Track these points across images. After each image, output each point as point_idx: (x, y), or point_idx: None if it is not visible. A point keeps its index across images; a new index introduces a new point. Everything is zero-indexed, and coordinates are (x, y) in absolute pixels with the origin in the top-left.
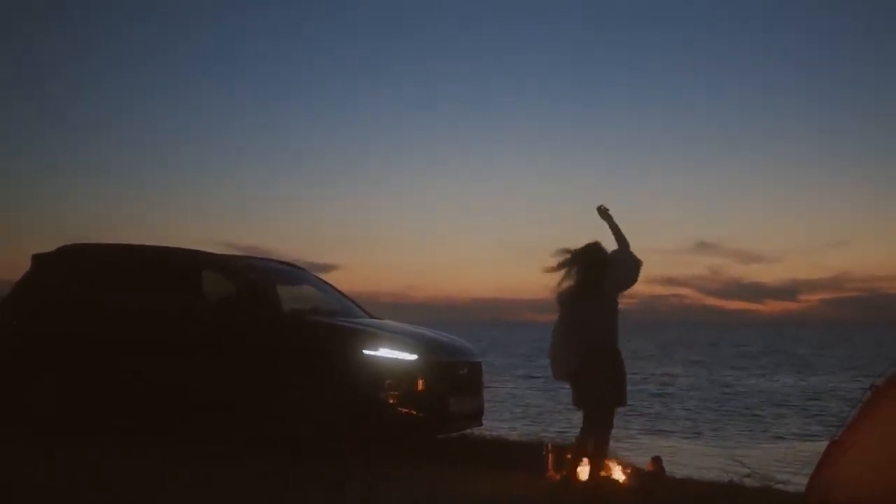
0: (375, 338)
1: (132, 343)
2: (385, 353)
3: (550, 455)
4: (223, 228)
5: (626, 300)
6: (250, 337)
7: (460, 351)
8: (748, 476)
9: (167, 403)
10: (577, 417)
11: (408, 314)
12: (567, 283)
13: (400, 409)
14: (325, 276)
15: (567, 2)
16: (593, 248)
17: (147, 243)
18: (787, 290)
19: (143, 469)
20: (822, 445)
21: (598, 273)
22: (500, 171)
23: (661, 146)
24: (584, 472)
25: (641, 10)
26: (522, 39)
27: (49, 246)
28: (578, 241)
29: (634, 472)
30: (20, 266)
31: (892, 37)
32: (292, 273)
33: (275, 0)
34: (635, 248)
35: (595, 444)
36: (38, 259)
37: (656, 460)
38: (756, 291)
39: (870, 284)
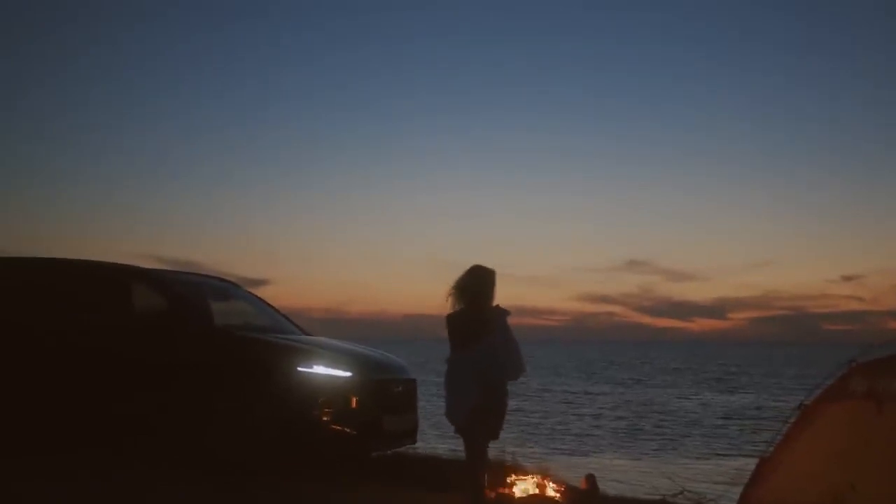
0: (309, 355)
1: (58, 360)
2: (319, 370)
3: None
4: (151, 242)
5: (557, 317)
6: (182, 353)
7: (394, 368)
8: (680, 493)
9: (94, 422)
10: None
11: (341, 330)
12: (458, 309)
13: (334, 426)
14: (256, 292)
15: (505, 23)
16: (477, 272)
17: (73, 257)
18: (716, 309)
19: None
20: (748, 462)
21: (487, 295)
22: (434, 187)
23: (593, 165)
24: (518, 489)
25: (562, 28)
26: (459, 54)
27: None
28: (509, 259)
29: (568, 491)
30: None
31: (815, 59)
32: (224, 288)
33: (195, 5)
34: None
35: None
36: None
37: (590, 478)
38: (685, 309)
39: (794, 303)
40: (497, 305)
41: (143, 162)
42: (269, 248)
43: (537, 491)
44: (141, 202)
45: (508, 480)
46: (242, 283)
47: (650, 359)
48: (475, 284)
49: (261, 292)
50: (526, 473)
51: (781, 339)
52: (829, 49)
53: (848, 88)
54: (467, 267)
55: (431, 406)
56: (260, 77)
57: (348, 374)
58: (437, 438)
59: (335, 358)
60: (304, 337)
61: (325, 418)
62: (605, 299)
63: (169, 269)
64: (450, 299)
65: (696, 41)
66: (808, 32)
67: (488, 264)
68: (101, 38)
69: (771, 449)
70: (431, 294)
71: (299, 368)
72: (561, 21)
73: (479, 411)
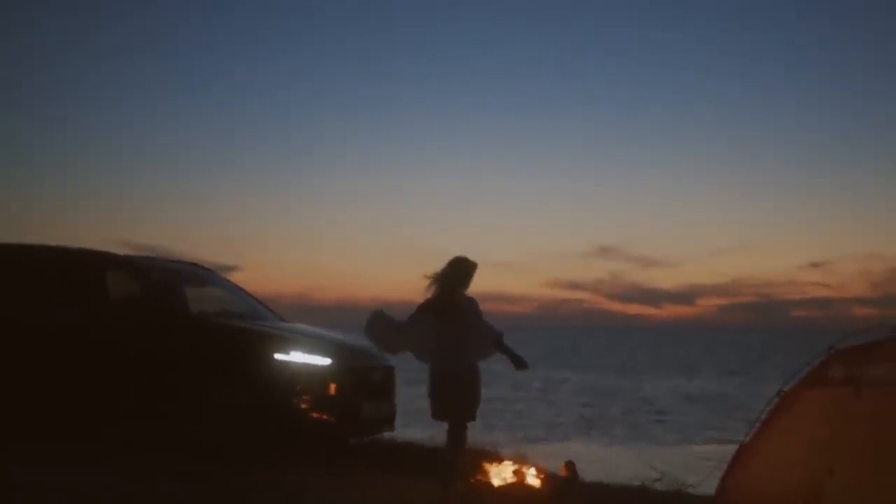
0: (287, 341)
1: (30, 348)
2: (297, 357)
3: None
4: (122, 228)
5: (527, 303)
6: (157, 340)
7: (373, 355)
8: (659, 480)
9: (68, 411)
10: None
11: (312, 317)
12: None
13: (312, 413)
14: (226, 278)
15: (483, 11)
16: (457, 264)
17: (46, 243)
18: (685, 295)
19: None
20: (722, 448)
21: (457, 286)
22: (404, 173)
23: (564, 151)
24: (497, 477)
25: (536, 16)
26: (431, 43)
27: None
28: (479, 245)
29: (549, 477)
30: None
31: (787, 48)
32: (200, 274)
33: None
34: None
35: (455, 455)
36: None
37: (570, 465)
38: (655, 296)
39: (763, 290)
40: (465, 294)
41: (114, 149)
42: (238, 234)
43: (516, 478)
44: (112, 188)
45: (486, 468)
46: (214, 269)
47: (619, 345)
48: (453, 275)
49: (231, 278)
50: (504, 461)
51: (750, 326)
52: (802, 38)
53: (820, 78)
54: (448, 256)
55: (408, 393)
56: (233, 66)
57: (327, 361)
58: (414, 425)
59: (313, 345)
60: (281, 324)
61: (303, 405)
62: (575, 285)
63: (142, 255)
64: (428, 287)
65: (668, 27)
66: (785, 21)
67: (462, 252)
68: (81, 28)
69: (749, 436)
70: (403, 280)
71: (277, 355)
72: (537, 10)
73: (453, 394)
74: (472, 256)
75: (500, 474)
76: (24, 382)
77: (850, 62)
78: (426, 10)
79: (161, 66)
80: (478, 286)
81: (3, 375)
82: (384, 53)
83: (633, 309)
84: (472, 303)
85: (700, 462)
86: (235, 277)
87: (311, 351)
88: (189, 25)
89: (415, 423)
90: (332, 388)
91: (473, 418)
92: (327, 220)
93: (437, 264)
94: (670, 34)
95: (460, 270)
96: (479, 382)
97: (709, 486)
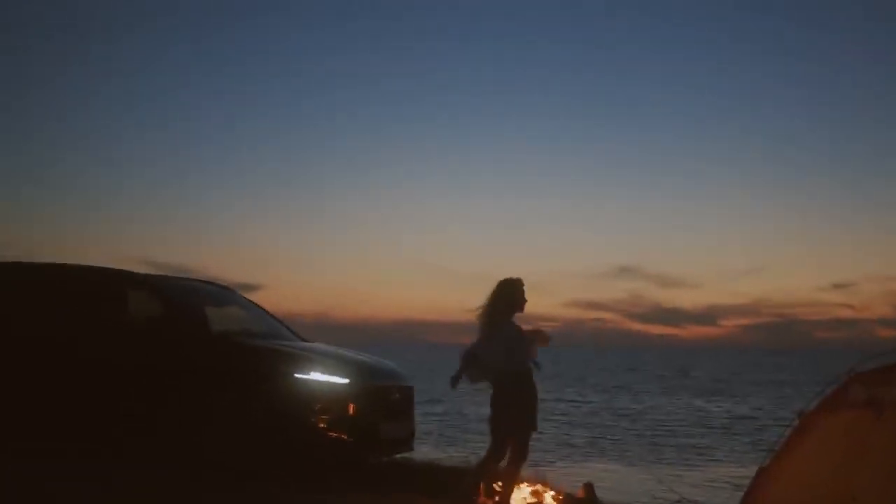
0: (307, 361)
1: (55, 366)
2: (316, 376)
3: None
4: (144, 247)
5: (546, 323)
6: (178, 359)
7: (392, 374)
8: (678, 502)
9: (91, 428)
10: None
11: (331, 335)
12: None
13: (330, 433)
14: (248, 297)
15: (495, 27)
16: (498, 286)
17: (69, 262)
18: (707, 316)
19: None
20: (741, 470)
21: (504, 305)
22: (423, 193)
23: (584, 171)
24: (518, 497)
25: (553, 33)
26: (447, 59)
27: None
28: (497, 265)
29: (567, 499)
30: None
31: (806, 65)
32: (221, 294)
33: (190, 12)
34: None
35: (510, 469)
36: None
37: (588, 487)
38: (676, 316)
39: (785, 311)
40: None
41: (136, 167)
42: (260, 252)
43: (535, 500)
44: (134, 207)
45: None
46: (235, 289)
47: (640, 365)
48: (498, 297)
49: (253, 297)
50: (521, 482)
51: (772, 347)
52: (820, 55)
53: (840, 95)
54: (468, 276)
55: (423, 412)
56: (252, 83)
57: (346, 380)
58: (433, 445)
59: (332, 364)
60: (301, 343)
61: (321, 425)
62: (595, 305)
63: (165, 274)
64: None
65: (686, 45)
66: (801, 38)
67: (478, 271)
68: (96, 42)
69: (769, 458)
70: (423, 300)
71: (297, 375)
72: (552, 25)
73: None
74: (488, 275)
75: (519, 496)
76: (45, 397)
77: (871, 81)
78: (445, 27)
79: (179, 82)
80: None
81: (26, 391)
82: (399, 70)
83: (655, 329)
84: (509, 325)
85: (719, 484)
86: (256, 296)
87: (329, 370)
88: (210, 39)
89: (431, 442)
90: (351, 407)
91: (520, 431)
92: (349, 240)
93: (457, 284)
94: (689, 54)
95: (496, 292)
96: (509, 400)
97: None
